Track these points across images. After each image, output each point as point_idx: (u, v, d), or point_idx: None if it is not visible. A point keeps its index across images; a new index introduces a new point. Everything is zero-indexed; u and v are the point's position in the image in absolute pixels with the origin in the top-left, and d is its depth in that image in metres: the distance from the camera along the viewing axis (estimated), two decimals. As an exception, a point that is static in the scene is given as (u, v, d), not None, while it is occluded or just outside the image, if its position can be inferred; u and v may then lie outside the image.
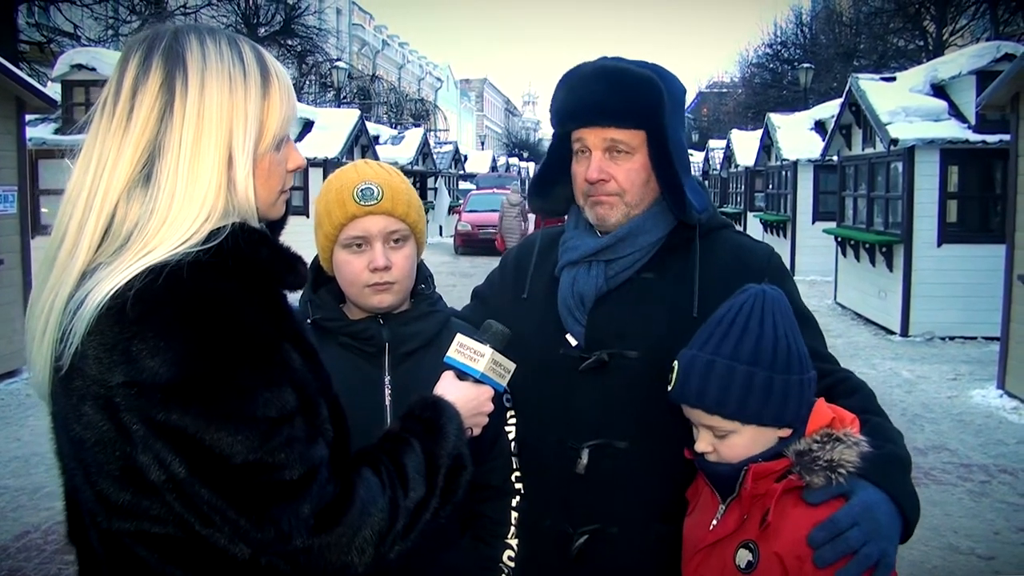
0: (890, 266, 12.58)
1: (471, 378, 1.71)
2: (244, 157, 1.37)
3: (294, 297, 1.54)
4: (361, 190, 1.91)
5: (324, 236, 1.95)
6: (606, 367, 1.95)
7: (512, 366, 1.76)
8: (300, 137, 20.05)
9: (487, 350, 1.72)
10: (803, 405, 1.73)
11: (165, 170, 1.33)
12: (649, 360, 1.88)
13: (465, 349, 1.73)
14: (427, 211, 28.66)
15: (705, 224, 2.00)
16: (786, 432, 1.73)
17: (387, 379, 1.95)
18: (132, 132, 1.34)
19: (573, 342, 1.98)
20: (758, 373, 1.69)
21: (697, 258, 1.96)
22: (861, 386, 1.92)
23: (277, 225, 1.51)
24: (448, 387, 1.69)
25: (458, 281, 17.22)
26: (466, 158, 41.03)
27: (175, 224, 1.32)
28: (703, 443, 1.77)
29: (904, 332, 12.17)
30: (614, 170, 1.94)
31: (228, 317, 1.28)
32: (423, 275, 2.06)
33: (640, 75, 1.89)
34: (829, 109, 18.00)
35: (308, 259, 1.99)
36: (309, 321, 1.95)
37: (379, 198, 1.91)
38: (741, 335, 1.71)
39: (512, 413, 2.07)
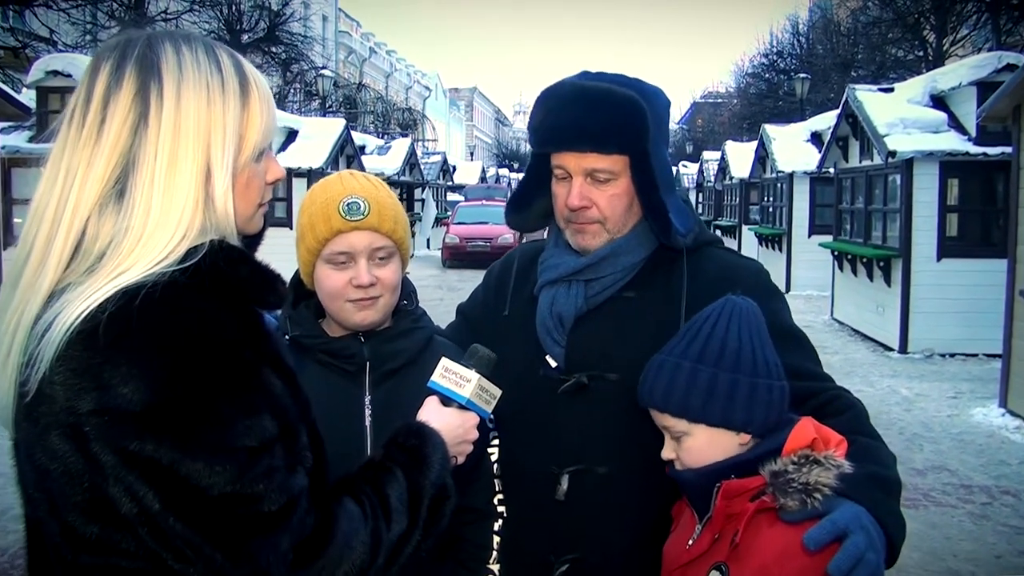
0: (888, 281, 12.62)
1: (456, 404, 1.70)
2: (223, 171, 1.35)
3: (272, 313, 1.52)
4: (347, 204, 1.90)
5: (307, 250, 1.93)
6: (586, 390, 1.94)
7: (498, 392, 1.75)
8: (284, 146, 20.03)
9: (473, 375, 1.71)
10: (761, 411, 1.74)
11: (140, 185, 1.31)
12: (630, 382, 1.87)
13: (450, 374, 1.72)
14: (414, 223, 28.69)
15: (691, 243, 2.00)
16: (745, 439, 1.76)
17: (367, 399, 1.93)
18: (103, 145, 1.32)
19: (553, 363, 1.98)
20: (702, 370, 1.74)
21: (685, 280, 1.96)
22: (853, 405, 1.91)
23: (254, 240, 1.49)
24: (433, 414, 1.68)
25: (445, 295, 17.20)
26: (455, 169, 41.07)
27: (150, 243, 1.30)
28: (667, 449, 1.81)
29: (903, 349, 12.20)
30: (596, 195, 1.94)
31: (206, 341, 1.26)
32: (406, 291, 2.06)
33: (622, 97, 1.87)
34: (826, 120, 18.07)
35: (291, 272, 1.98)
36: (287, 337, 1.94)
37: (366, 213, 1.90)
38: (694, 337, 1.77)
39: (495, 433, 2.06)
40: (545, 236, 2.15)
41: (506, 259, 2.24)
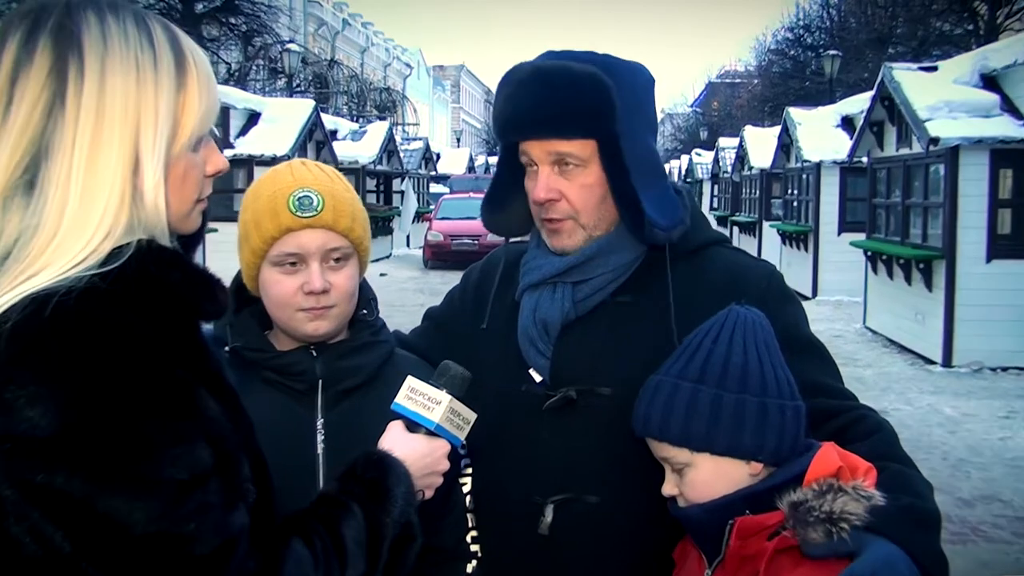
0: (929, 285, 12.65)
1: (423, 430, 1.69)
2: (154, 162, 1.33)
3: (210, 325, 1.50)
4: (298, 199, 1.88)
5: (251, 251, 1.93)
6: (574, 406, 1.94)
7: (472, 416, 1.74)
8: (244, 130, 20.08)
9: (444, 397, 1.70)
10: (773, 435, 1.74)
11: (54, 177, 1.28)
12: (625, 398, 1.86)
13: (418, 395, 1.71)
14: (392, 218, 28.74)
15: (685, 241, 2.00)
16: (756, 468, 1.75)
17: (320, 422, 1.92)
18: (11, 129, 1.29)
19: (537, 377, 1.98)
20: (704, 391, 1.74)
21: (670, 281, 1.96)
22: (880, 426, 1.91)
23: (191, 241, 1.47)
24: (396, 441, 1.67)
25: (427, 299, 17.13)
26: (438, 157, 41.17)
27: (66, 242, 1.27)
28: (668, 484, 1.81)
29: (947, 362, 12.23)
30: (565, 187, 1.95)
31: (129, 356, 1.23)
32: (365, 298, 2.04)
33: (581, 74, 1.88)
34: (858, 103, 18.12)
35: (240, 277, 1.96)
36: (227, 349, 1.93)
37: (319, 209, 1.89)
38: (694, 353, 1.78)
39: (468, 462, 2.06)
40: None
41: (489, 260, 2.24)
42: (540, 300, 2.00)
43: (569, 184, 1.94)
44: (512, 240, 2.20)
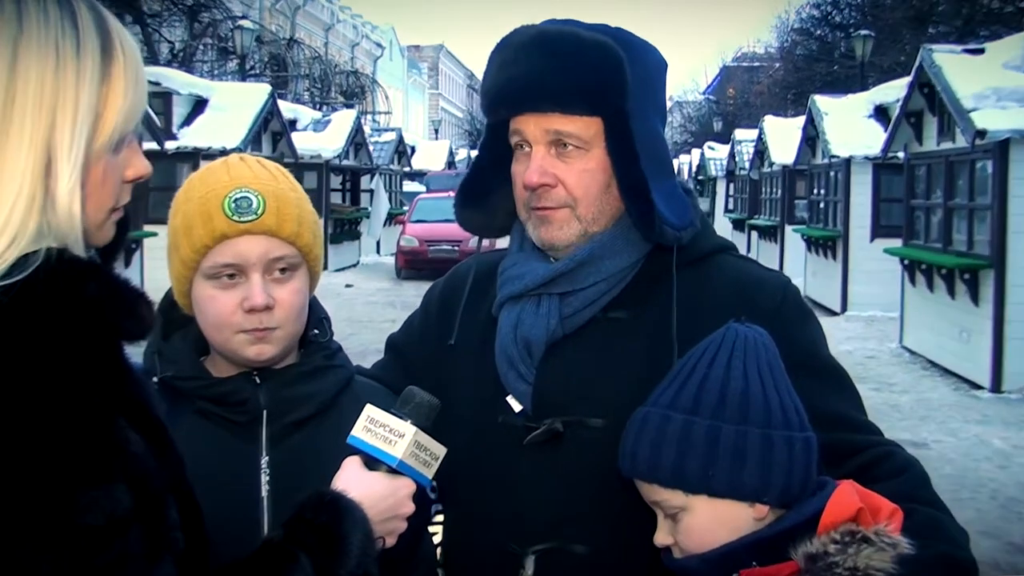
0: (975, 299, 12.71)
1: (384, 467, 1.69)
2: (70, 161, 1.33)
3: (137, 349, 1.49)
4: (235, 200, 1.88)
5: (181, 262, 1.92)
6: (561, 440, 1.94)
7: (441, 451, 1.74)
8: (189, 119, 20.12)
9: (408, 429, 1.70)
10: (780, 473, 1.72)
11: None
12: (619, 431, 1.85)
13: (377, 427, 1.70)
14: (359, 221, 28.77)
15: (692, 246, 2.00)
16: (762, 511, 1.74)
17: (264, 460, 1.93)
18: None
19: (517, 406, 1.98)
20: (698, 422, 1.73)
21: (675, 290, 1.96)
22: (909, 465, 1.92)
23: (109, 253, 1.47)
24: (352, 480, 1.66)
25: (399, 314, 17.10)
26: (413, 150, 41.27)
27: None
28: (661, 533, 1.80)
29: (995, 387, 12.29)
30: (562, 171, 1.94)
31: (36, 382, 1.23)
32: (316, 317, 2.05)
33: (592, 41, 1.90)
34: (894, 91, 18.22)
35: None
36: (156, 380, 1.92)
37: (260, 212, 1.88)
38: (686, 380, 1.77)
39: (439, 508, 2.06)
40: None
41: (455, 273, 2.23)
42: (522, 315, 1.99)
43: (567, 168, 1.94)
44: (485, 249, 2.19)
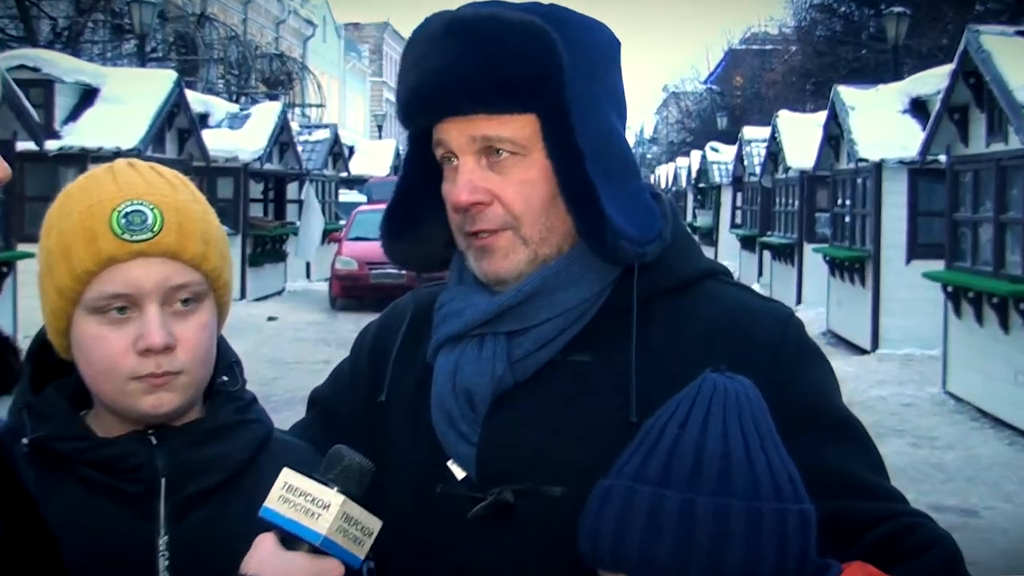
0: (1035, 334, 12.79)
1: (306, 545, 1.68)
2: None
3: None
4: (126, 215, 1.86)
5: (58, 292, 1.89)
6: (512, 513, 1.93)
7: (376, 525, 1.73)
8: (75, 113, 20.03)
9: (335, 498, 1.69)
10: (771, 554, 1.72)
11: None
12: (583, 502, 1.83)
13: (297, 496, 1.69)
14: (286, 238, 28.73)
15: (670, 270, 2.00)
16: None
17: (163, 540, 1.90)
18: None
19: (459, 473, 1.97)
20: (669, 496, 1.71)
21: (633, 326, 1.95)
22: (938, 540, 1.91)
23: None
24: (266, 562, 1.66)
25: (335, 354, 17.06)
26: (352, 152, 41.23)
27: None
28: None
29: (1059, 441, 12.32)
30: (496, 184, 1.93)
31: None
32: (226, 361, 2.04)
33: (515, 23, 1.88)
34: (933, 81, 18.38)
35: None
36: (26, 442, 1.90)
37: (157, 229, 1.87)
38: (655, 444, 1.76)
39: None
40: None
41: (392, 310, 2.23)
42: (462, 360, 1.98)
43: (503, 180, 1.93)
44: (429, 278, 2.19)
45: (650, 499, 1.72)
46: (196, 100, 25.00)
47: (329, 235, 31.50)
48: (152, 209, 1.87)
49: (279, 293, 28.57)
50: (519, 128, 1.91)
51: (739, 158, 34.44)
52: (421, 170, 2.05)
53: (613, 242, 1.91)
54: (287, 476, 1.71)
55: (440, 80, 1.90)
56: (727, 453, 1.73)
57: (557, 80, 1.88)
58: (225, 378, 2.03)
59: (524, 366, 1.97)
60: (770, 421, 1.78)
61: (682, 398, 1.78)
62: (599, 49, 1.99)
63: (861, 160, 19.55)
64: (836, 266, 21.40)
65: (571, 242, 1.98)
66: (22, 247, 15.15)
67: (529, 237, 1.95)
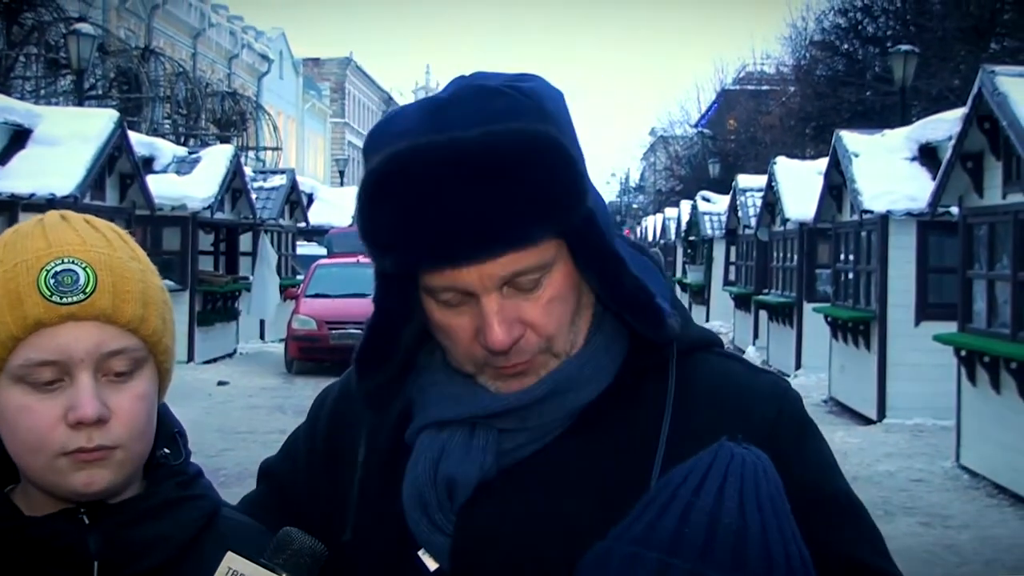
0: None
1: None
2: None
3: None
4: (55, 274, 1.86)
5: None
6: None
7: None
8: (5, 157, 19.98)
9: None
10: None
11: None
12: None
13: None
14: (239, 295, 28.68)
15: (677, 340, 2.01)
16: None
17: None
18: None
19: (431, 564, 1.96)
20: (677, 567, 1.71)
21: (670, 401, 1.96)
22: None
23: None
24: None
25: (290, 423, 17.04)
26: (311, 200, 41.29)
27: None
28: None
29: (1084, 520, 12.33)
30: (527, 312, 1.88)
31: None
32: (168, 431, 2.04)
33: (532, 139, 1.79)
34: (944, 125, 18.51)
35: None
36: None
37: (89, 290, 1.86)
38: (664, 508, 1.76)
39: None
40: None
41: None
42: (448, 447, 1.97)
43: (533, 306, 1.89)
44: None
45: (655, 567, 1.72)
46: (140, 142, 25.07)
47: (286, 291, 31.50)
48: (84, 268, 1.87)
49: (230, 355, 28.53)
50: (543, 252, 1.86)
51: (733, 208, 34.58)
52: (396, 305, 1.99)
53: (665, 323, 1.94)
54: (231, 561, 1.72)
55: (457, 231, 1.80)
56: (744, 528, 1.73)
57: (581, 190, 1.86)
58: (167, 450, 2.02)
59: (512, 456, 1.97)
60: (786, 501, 1.79)
61: (695, 464, 1.79)
62: (567, 115, 1.93)
63: (866, 211, 19.65)
64: (839, 327, 21.47)
65: (589, 332, 1.98)
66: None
67: (561, 351, 1.95)
